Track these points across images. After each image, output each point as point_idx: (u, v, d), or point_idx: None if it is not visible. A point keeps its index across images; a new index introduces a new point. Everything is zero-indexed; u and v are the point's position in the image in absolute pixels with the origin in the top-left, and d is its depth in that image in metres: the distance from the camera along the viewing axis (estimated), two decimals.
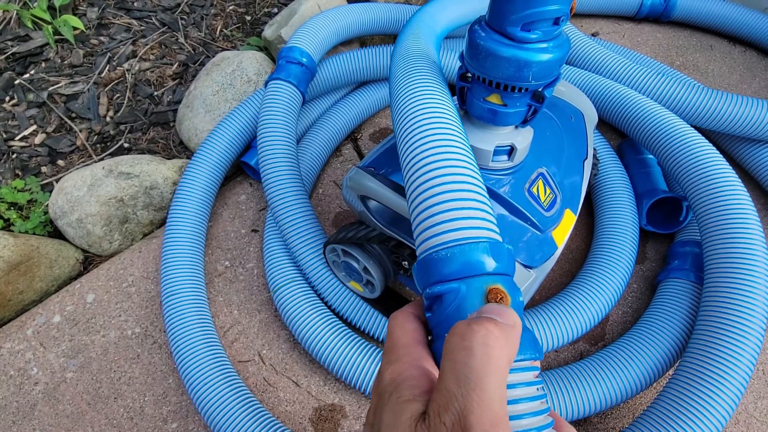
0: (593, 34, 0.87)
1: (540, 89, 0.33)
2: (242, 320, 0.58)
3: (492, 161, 0.37)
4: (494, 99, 0.34)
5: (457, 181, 0.26)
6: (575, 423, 0.50)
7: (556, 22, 0.29)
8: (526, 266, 0.37)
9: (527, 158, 0.39)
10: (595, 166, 0.59)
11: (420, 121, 0.29)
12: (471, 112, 0.36)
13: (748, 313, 0.43)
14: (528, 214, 0.37)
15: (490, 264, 0.22)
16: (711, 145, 0.53)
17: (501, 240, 0.25)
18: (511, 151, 0.37)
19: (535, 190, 0.39)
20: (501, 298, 0.22)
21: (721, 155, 0.52)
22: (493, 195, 0.37)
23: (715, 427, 0.40)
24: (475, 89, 0.34)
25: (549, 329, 0.51)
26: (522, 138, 0.37)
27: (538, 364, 0.21)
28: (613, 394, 0.48)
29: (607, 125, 0.66)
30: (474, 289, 0.22)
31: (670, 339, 0.49)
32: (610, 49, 0.77)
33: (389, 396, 0.19)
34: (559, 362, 0.54)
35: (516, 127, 0.37)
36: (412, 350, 0.21)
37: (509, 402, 0.18)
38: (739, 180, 0.50)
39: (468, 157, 0.28)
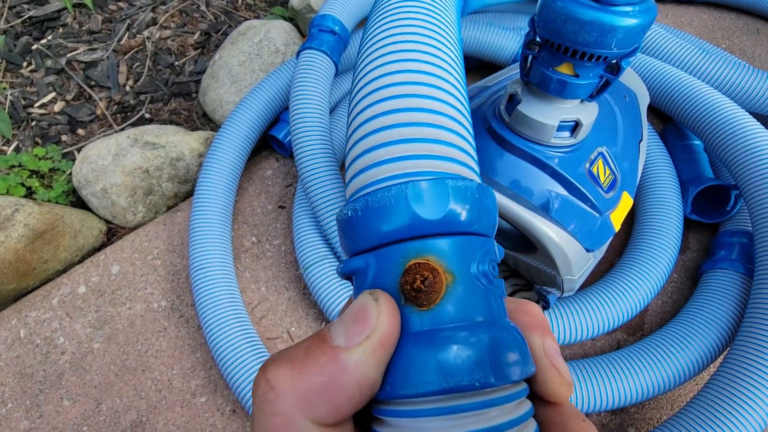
0: None
1: (618, 59, 0.30)
2: (270, 297, 0.57)
3: (554, 137, 0.34)
4: (565, 69, 0.31)
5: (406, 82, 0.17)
6: (611, 412, 0.49)
7: None
8: (586, 249, 0.35)
9: (587, 137, 0.37)
10: None
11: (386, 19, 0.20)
12: (536, 83, 0.33)
13: None
14: (589, 195, 0.35)
15: (423, 217, 0.13)
16: (765, 129, 0.50)
17: (475, 178, 0.16)
18: (575, 127, 0.34)
19: (595, 169, 0.37)
20: (425, 280, 0.13)
21: None
22: (553, 173, 0.35)
23: (759, 424, 0.39)
24: (545, 57, 0.31)
25: (587, 317, 0.50)
26: (587, 113, 0.34)
27: None
28: (651, 385, 0.46)
29: (650, 108, 0.63)
30: (387, 267, 0.14)
31: (715, 331, 0.47)
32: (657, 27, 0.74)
33: None
34: (596, 351, 0.53)
35: (582, 101, 0.34)
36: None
37: None
38: None
39: (445, 53, 0.19)
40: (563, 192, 0.35)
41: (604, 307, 0.50)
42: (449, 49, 0.19)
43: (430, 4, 0.20)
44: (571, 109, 0.34)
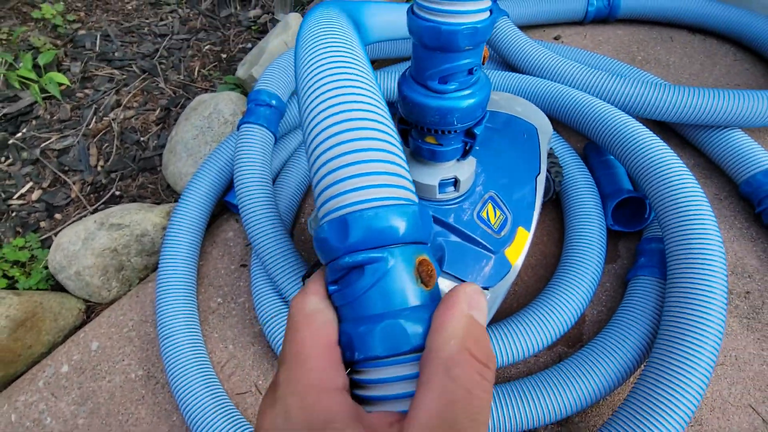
0: (555, 38, 0.90)
1: (470, 128, 0.35)
2: (237, 354, 0.62)
3: (439, 194, 0.39)
4: (430, 140, 0.36)
5: (373, 128, 0.21)
6: (558, 424, 0.53)
7: (470, 72, 0.31)
8: (482, 288, 0.39)
9: (476, 184, 0.42)
10: (558, 173, 0.62)
11: (319, 63, 0.24)
12: (413, 151, 0.38)
13: (706, 308, 0.45)
14: (478, 239, 0.40)
15: (418, 231, 0.20)
16: (664, 144, 0.55)
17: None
18: (455, 182, 0.39)
19: (484, 214, 0.41)
20: (431, 270, 0.19)
21: (674, 153, 0.54)
22: (444, 225, 0.40)
23: (681, 419, 0.42)
24: (413, 132, 0.37)
25: (526, 336, 0.53)
26: (464, 170, 0.39)
27: None
28: (590, 393, 0.50)
29: (571, 129, 0.69)
30: (404, 260, 0.19)
31: (639, 336, 0.51)
32: (569, 54, 0.80)
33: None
34: (540, 366, 0.57)
35: (458, 160, 0.39)
36: (330, 367, 0.17)
37: None
38: (693, 177, 0.52)
39: (380, 103, 0.23)
40: (456, 240, 0.40)
41: (540, 324, 0.54)
42: (377, 96, 0.24)
43: (351, 62, 0.25)
44: (449, 169, 0.39)
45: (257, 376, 0.60)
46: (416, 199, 0.22)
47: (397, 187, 0.20)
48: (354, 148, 0.20)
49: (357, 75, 0.24)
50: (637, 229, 0.62)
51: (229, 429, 0.51)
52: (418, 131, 0.36)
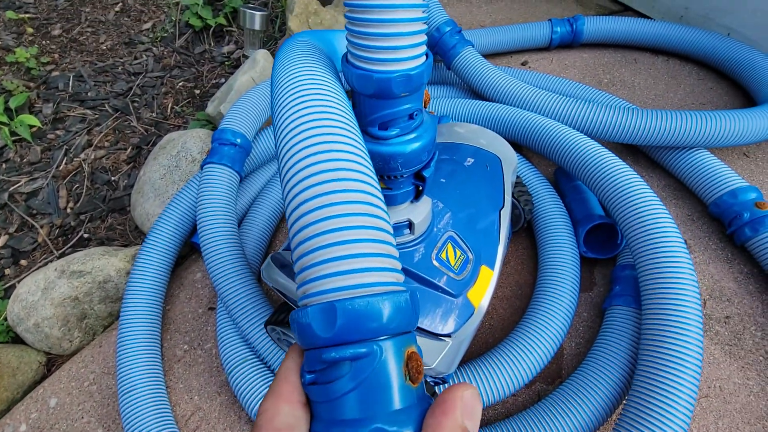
0: (523, 64, 0.91)
1: (418, 171, 0.34)
2: (203, 405, 0.58)
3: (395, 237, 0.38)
4: (381, 184, 0.35)
5: (362, 201, 0.19)
6: None
7: (411, 116, 0.31)
8: (441, 335, 0.37)
9: (434, 224, 0.41)
10: (528, 201, 0.61)
11: (298, 103, 0.22)
12: None
13: (681, 339, 0.44)
14: (437, 283, 0.38)
15: (409, 320, 0.18)
16: (630, 169, 0.55)
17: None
18: (410, 225, 0.38)
19: (443, 255, 0.40)
20: (419, 366, 0.18)
21: (640, 178, 0.54)
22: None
23: None
24: None
25: (502, 375, 0.51)
26: (418, 212, 0.38)
27: None
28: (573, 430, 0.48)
29: (542, 155, 0.68)
30: (393, 354, 0.17)
31: (618, 370, 0.49)
32: (536, 80, 0.81)
33: None
34: (518, 406, 0.54)
35: (411, 202, 0.38)
36: None
37: None
38: (661, 203, 0.51)
39: (366, 162, 0.22)
40: (414, 284, 0.38)
41: (516, 361, 0.52)
42: (358, 141, 0.22)
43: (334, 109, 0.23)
44: (401, 212, 0.38)
45: (223, 429, 0.56)
46: (403, 280, 0.20)
47: (387, 270, 0.19)
48: (340, 225, 0.18)
49: (334, 114, 0.22)
50: (611, 255, 0.61)
51: None
52: None
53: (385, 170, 0.32)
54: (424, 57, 0.29)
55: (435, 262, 0.39)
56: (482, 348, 0.56)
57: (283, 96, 0.23)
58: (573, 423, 0.48)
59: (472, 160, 0.51)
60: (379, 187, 0.22)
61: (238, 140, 0.64)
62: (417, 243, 0.39)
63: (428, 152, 0.33)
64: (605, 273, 0.63)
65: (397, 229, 0.38)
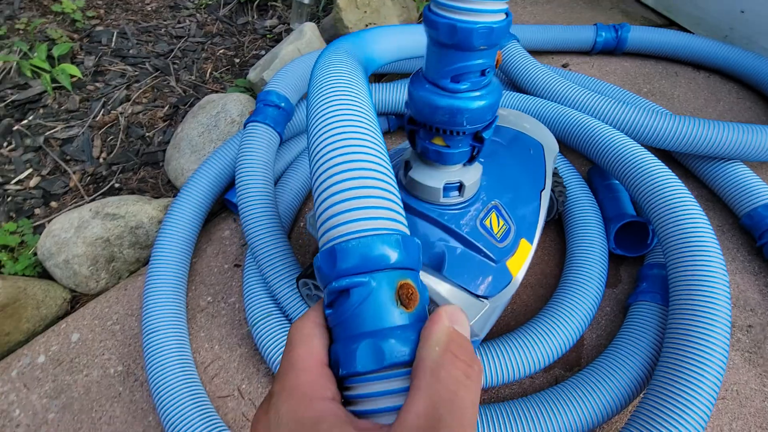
0: (563, 65, 0.91)
1: (478, 131, 0.35)
2: (223, 355, 0.59)
3: (443, 198, 0.39)
4: (438, 141, 0.36)
5: (365, 168, 0.24)
6: None
7: (483, 73, 0.31)
8: (480, 296, 0.38)
9: (480, 192, 0.41)
10: (562, 193, 0.61)
11: (326, 107, 0.27)
12: (420, 153, 0.38)
13: (709, 338, 0.44)
14: (481, 246, 0.39)
15: (400, 257, 0.21)
16: (670, 171, 0.55)
17: (409, 234, 0.24)
18: (460, 187, 0.39)
19: (488, 222, 0.41)
20: (411, 294, 0.21)
21: (679, 181, 0.54)
22: (446, 230, 0.39)
23: None
24: (421, 132, 0.36)
25: (522, 355, 0.52)
26: (470, 175, 0.39)
27: None
28: (586, 419, 0.48)
29: (577, 152, 0.69)
30: (385, 284, 0.21)
31: (639, 362, 0.49)
32: (577, 80, 0.81)
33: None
34: (535, 388, 0.55)
35: (464, 164, 0.39)
36: (321, 378, 0.19)
37: None
38: (698, 204, 0.51)
39: (377, 144, 0.26)
40: (458, 245, 0.39)
41: (537, 344, 0.52)
42: (377, 135, 0.27)
43: (356, 106, 0.28)
44: (454, 173, 0.38)
45: (241, 380, 0.57)
46: (405, 230, 0.24)
47: (383, 219, 0.23)
48: (351, 196, 0.23)
49: (360, 124, 0.27)
50: (640, 254, 0.61)
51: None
52: (427, 131, 0.36)
53: (450, 124, 0.33)
54: (505, 14, 0.29)
55: (479, 227, 0.40)
56: (503, 331, 0.57)
57: (316, 114, 0.28)
58: (589, 408, 0.48)
59: (516, 142, 0.52)
60: (388, 169, 0.26)
61: (282, 103, 0.65)
62: (464, 206, 0.40)
63: (492, 113, 0.34)
64: (631, 272, 0.63)
65: (448, 189, 0.39)
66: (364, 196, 0.23)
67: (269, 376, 0.58)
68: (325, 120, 0.27)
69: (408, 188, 0.40)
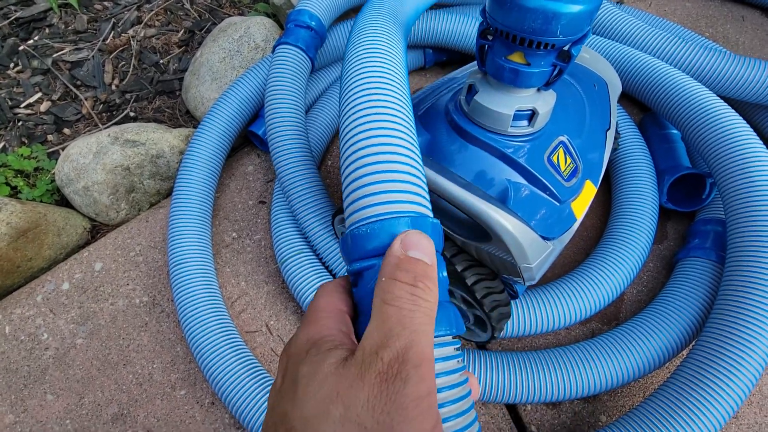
0: (618, 1, 0.83)
1: (567, 46, 0.30)
2: (250, 291, 0.58)
3: (511, 126, 0.35)
4: (517, 57, 0.31)
5: (385, 152, 0.24)
6: (584, 400, 0.50)
7: None
8: (544, 237, 0.35)
9: (548, 125, 0.37)
10: (615, 140, 0.57)
11: (358, 87, 0.28)
12: (491, 73, 0.33)
13: None
14: (547, 184, 0.35)
15: None
16: (739, 117, 0.50)
17: (429, 213, 0.24)
18: (531, 115, 0.35)
19: (555, 158, 0.37)
20: None
21: (750, 128, 0.49)
22: (511, 162, 0.35)
23: (725, 410, 0.39)
24: (497, 47, 0.32)
25: (560, 306, 0.50)
26: (544, 102, 0.34)
27: (457, 339, 0.22)
28: (623, 373, 0.47)
29: (628, 98, 0.63)
30: None
31: (687, 319, 0.47)
32: (635, 16, 0.73)
33: (306, 353, 0.19)
34: (570, 340, 0.53)
35: (538, 90, 0.34)
36: (334, 315, 0.21)
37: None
38: None
39: (405, 127, 0.27)
40: (522, 181, 0.35)
41: (577, 296, 0.50)
42: (406, 115, 0.28)
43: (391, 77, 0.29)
44: (527, 98, 0.34)
45: (269, 316, 0.56)
46: (424, 211, 0.24)
47: (399, 203, 0.23)
48: (370, 181, 0.24)
49: (390, 107, 0.27)
50: (693, 209, 0.57)
51: (238, 363, 0.48)
52: (505, 44, 0.31)
53: (542, 32, 0.28)
54: None
55: (546, 163, 0.36)
56: (540, 281, 0.55)
57: (349, 89, 0.29)
58: (627, 362, 0.47)
59: (580, 76, 0.47)
60: (413, 149, 0.26)
61: (314, 23, 0.59)
62: (532, 138, 0.36)
63: (590, 22, 0.29)
64: (679, 228, 0.60)
65: (518, 118, 0.34)
66: (381, 180, 0.23)
67: (298, 314, 0.56)
68: (356, 101, 0.27)
69: (471, 114, 0.36)
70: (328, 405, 0.17)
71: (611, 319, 0.54)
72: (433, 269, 0.20)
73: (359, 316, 0.23)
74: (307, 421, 0.17)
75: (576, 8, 0.27)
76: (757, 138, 0.48)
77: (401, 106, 0.28)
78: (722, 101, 0.52)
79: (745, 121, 0.49)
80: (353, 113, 0.27)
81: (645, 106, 0.69)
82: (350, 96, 0.28)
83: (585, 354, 0.48)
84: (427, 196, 0.25)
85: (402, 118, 0.27)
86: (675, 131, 0.62)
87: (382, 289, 0.20)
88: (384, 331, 0.18)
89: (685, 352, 0.49)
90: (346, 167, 0.25)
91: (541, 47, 0.29)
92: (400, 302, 0.19)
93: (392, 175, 0.24)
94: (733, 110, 0.51)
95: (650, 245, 0.53)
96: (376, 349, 0.18)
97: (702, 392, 0.40)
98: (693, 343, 0.47)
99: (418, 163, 0.26)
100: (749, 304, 0.42)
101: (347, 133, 0.26)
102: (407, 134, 0.26)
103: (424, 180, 0.26)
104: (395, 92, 0.28)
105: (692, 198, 0.58)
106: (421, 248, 0.21)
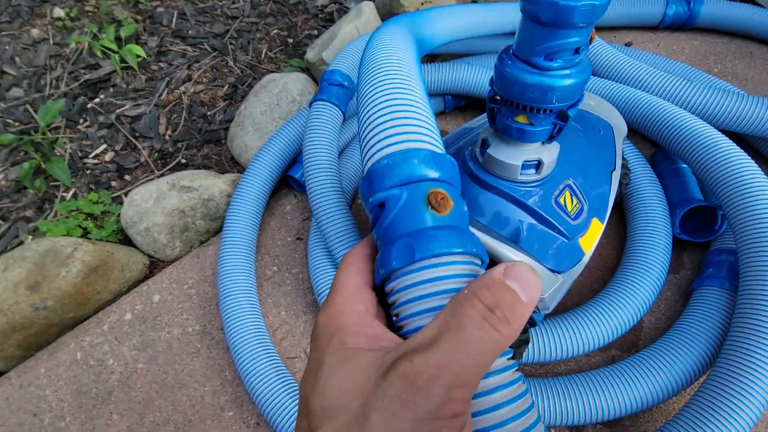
0: (627, 44, 0.88)
1: (564, 110, 0.36)
2: (289, 320, 0.64)
3: (520, 175, 0.40)
4: (521, 119, 0.37)
5: (401, 102, 0.27)
6: (606, 424, 0.52)
7: (577, 51, 0.32)
8: (554, 271, 0.39)
9: (555, 171, 0.42)
10: (626, 175, 0.61)
11: (375, 89, 0.30)
12: (500, 130, 0.39)
13: None
14: (555, 223, 0.40)
15: (432, 172, 0.23)
16: (744, 153, 0.53)
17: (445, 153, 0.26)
18: (538, 165, 0.40)
19: (562, 200, 0.41)
20: (441, 198, 0.22)
21: (754, 163, 0.52)
22: (522, 206, 0.40)
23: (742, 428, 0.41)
24: (504, 110, 0.37)
25: (579, 333, 0.53)
26: (548, 153, 0.40)
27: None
28: (644, 397, 0.49)
29: (640, 135, 0.67)
30: (415, 194, 0.23)
31: (703, 345, 0.50)
32: (642, 59, 0.78)
33: (328, 340, 0.20)
34: (591, 366, 0.56)
35: (543, 143, 0.40)
36: (352, 293, 0.22)
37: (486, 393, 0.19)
38: None
39: (414, 85, 0.29)
40: (532, 221, 0.40)
41: (594, 323, 0.53)
42: (421, 93, 0.30)
43: (405, 81, 0.31)
44: (533, 151, 0.39)
45: (307, 344, 0.62)
46: (436, 148, 0.25)
47: (415, 141, 0.25)
48: (386, 126, 0.26)
49: (406, 90, 0.29)
50: (706, 240, 0.60)
51: (281, 387, 0.53)
52: (510, 109, 0.37)
53: (539, 102, 0.34)
54: None
55: (554, 205, 0.41)
56: (559, 310, 0.58)
57: (366, 95, 0.30)
58: (648, 387, 0.49)
59: (585, 122, 0.52)
60: (427, 112, 0.29)
61: (345, 82, 0.67)
62: (540, 184, 0.41)
63: (581, 91, 0.34)
64: (694, 258, 0.62)
65: (525, 167, 0.40)
66: (401, 124, 0.25)
67: None
68: (374, 97, 0.29)
69: (485, 165, 0.41)
70: (348, 399, 0.17)
71: (630, 346, 0.57)
72: (524, 308, 0.18)
73: (380, 248, 0.23)
74: (326, 411, 0.18)
75: (568, 82, 0.33)
76: (761, 172, 0.51)
77: (413, 78, 0.31)
78: (725, 137, 0.55)
79: (749, 157, 0.53)
80: (371, 83, 0.30)
81: (655, 142, 0.73)
82: (368, 76, 0.31)
83: (607, 379, 0.51)
84: (439, 137, 0.27)
85: (415, 84, 0.30)
86: (685, 165, 0.66)
87: (457, 299, 0.18)
88: (428, 337, 0.17)
89: (703, 378, 0.51)
90: (364, 118, 0.28)
91: (541, 112, 0.35)
92: (464, 319, 0.17)
93: (412, 120, 0.26)
94: (737, 146, 0.54)
95: (665, 274, 0.56)
96: (412, 352, 0.17)
97: (717, 417, 0.42)
98: (710, 369, 0.49)
99: (429, 112, 0.29)
100: (760, 333, 0.44)
101: (366, 98, 0.29)
102: (420, 96, 0.29)
103: (439, 133, 0.28)
104: (409, 70, 0.31)
105: (706, 229, 0.60)
106: (523, 282, 0.18)
